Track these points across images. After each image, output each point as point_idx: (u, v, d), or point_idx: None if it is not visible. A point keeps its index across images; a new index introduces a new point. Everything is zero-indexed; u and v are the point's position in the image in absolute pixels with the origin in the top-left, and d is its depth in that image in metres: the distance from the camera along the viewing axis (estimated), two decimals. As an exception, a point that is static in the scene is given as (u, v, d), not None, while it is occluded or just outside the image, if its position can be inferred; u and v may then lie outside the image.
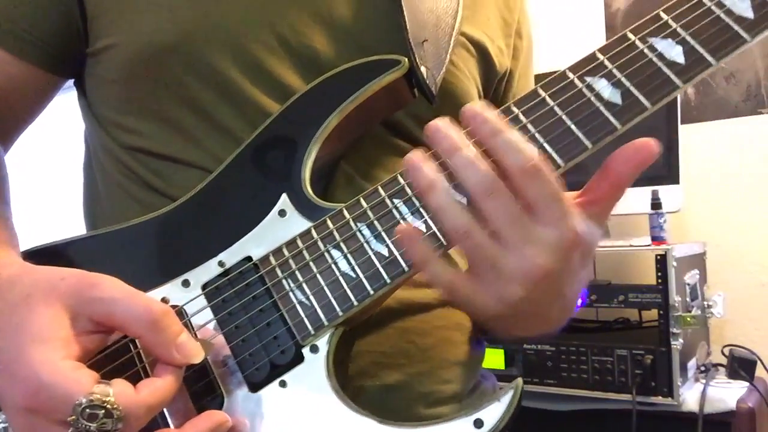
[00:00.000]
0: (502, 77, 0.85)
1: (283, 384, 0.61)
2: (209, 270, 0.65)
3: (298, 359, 0.61)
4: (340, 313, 0.61)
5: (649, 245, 1.69)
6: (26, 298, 0.55)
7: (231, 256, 0.66)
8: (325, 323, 0.61)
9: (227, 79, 0.71)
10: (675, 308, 1.57)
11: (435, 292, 0.75)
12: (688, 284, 1.66)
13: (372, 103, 0.70)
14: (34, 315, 0.54)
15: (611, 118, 0.62)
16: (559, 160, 0.61)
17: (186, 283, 0.65)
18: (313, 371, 0.61)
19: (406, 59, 0.69)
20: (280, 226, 0.66)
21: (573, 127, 0.62)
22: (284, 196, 0.67)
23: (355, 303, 0.61)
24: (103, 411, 0.50)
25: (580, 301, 1.67)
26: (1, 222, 0.68)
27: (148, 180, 0.73)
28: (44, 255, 0.67)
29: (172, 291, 0.65)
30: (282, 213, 0.66)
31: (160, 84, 0.72)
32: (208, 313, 0.64)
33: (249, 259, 0.65)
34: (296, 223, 0.66)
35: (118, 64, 0.73)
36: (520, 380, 0.57)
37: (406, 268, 0.61)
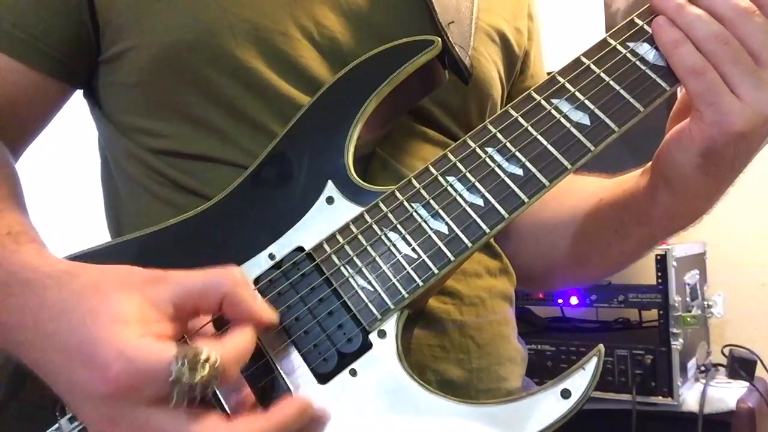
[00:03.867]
0: (520, 58, 0.85)
1: (353, 372, 0.58)
2: (259, 264, 0.63)
3: (367, 346, 0.59)
4: (406, 295, 0.59)
5: (649, 245, 1.70)
6: (96, 286, 0.53)
7: (281, 248, 0.63)
8: (391, 306, 0.59)
9: (254, 73, 0.69)
10: (675, 308, 1.57)
11: (486, 282, 0.75)
12: (688, 284, 1.67)
13: (406, 86, 0.69)
14: (108, 299, 0.51)
15: (659, 80, 0.62)
16: (613, 126, 0.61)
17: (236, 280, 0.62)
18: (383, 356, 0.58)
19: (439, 39, 0.68)
20: (329, 214, 0.64)
21: (622, 92, 0.62)
22: (330, 183, 0.65)
23: (421, 283, 0.59)
24: (200, 362, 0.48)
25: (577, 301, 1.68)
26: (34, 231, 0.64)
27: (180, 181, 0.70)
28: (84, 260, 0.63)
29: (221, 288, 0.62)
30: (330, 200, 0.64)
31: (185, 83, 0.69)
32: (264, 308, 0.61)
33: (301, 249, 0.63)
34: (346, 209, 0.64)
35: (138, 67, 0.70)
36: (601, 346, 0.56)
37: (469, 245, 0.60)
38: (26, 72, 0.71)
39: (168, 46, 0.68)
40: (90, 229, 0.83)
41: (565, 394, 0.55)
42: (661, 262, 1.59)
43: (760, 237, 1.97)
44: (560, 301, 1.75)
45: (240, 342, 0.53)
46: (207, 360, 0.48)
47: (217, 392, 0.56)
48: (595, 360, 0.55)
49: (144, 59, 0.70)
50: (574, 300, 1.69)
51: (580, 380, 0.55)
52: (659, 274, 1.59)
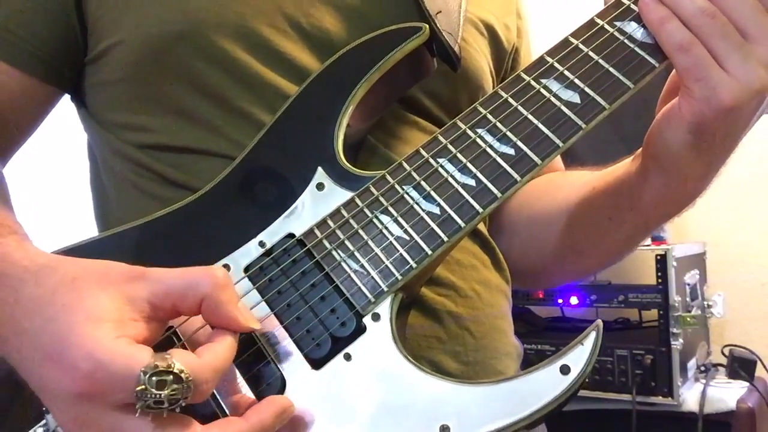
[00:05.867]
0: (509, 54, 0.85)
1: (347, 357, 0.57)
2: (249, 252, 0.62)
3: (361, 330, 0.57)
4: (400, 277, 0.58)
5: (649, 245, 1.67)
6: (73, 280, 0.51)
7: (271, 235, 0.62)
8: (385, 289, 0.58)
9: (241, 64, 0.68)
10: (675, 308, 1.57)
11: (480, 275, 0.74)
12: (688, 284, 1.66)
13: (395, 74, 0.68)
14: (84, 295, 0.50)
15: (648, 57, 0.62)
16: (603, 103, 0.61)
17: (226, 268, 0.61)
18: (378, 339, 0.57)
19: (426, 25, 0.68)
20: (319, 200, 0.63)
21: (611, 69, 0.62)
22: (320, 170, 0.64)
23: (414, 265, 0.58)
24: (171, 377, 0.46)
25: (577, 301, 1.67)
26: (16, 224, 0.63)
27: (167, 175, 0.69)
28: (70, 255, 0.62)
29: (211, 278, 0.61)
30: (320, 186, 0.63)
31: (171, 75, 0.69)
32: (254, 296, 0.60)
33: (292, 236, 0.62)
34: (336, 195, 0.63)
35: (124, 61, 0.70)
36: (599, 321, 0.55)
37: (463, 225, 0.59)
38: (14, 75, 0.71)
39: (154, 38, 0.68)
40: (80, 232, 0.82)
41: (565, 369, 0.53)
42: (661, 262, 1.58)
43: (760, 237, 1.96)
44: (560, 301, 1.73)
45: (219, 353, 0.51)
46: (179, 374, 0.46)
47: None
48: (593, 335, 0.54)
49: (129, 53, 0.69)
50: (574, 300, 1.68)
51: (579, 355, 0.54)
52: (659, 274, 1.58)
